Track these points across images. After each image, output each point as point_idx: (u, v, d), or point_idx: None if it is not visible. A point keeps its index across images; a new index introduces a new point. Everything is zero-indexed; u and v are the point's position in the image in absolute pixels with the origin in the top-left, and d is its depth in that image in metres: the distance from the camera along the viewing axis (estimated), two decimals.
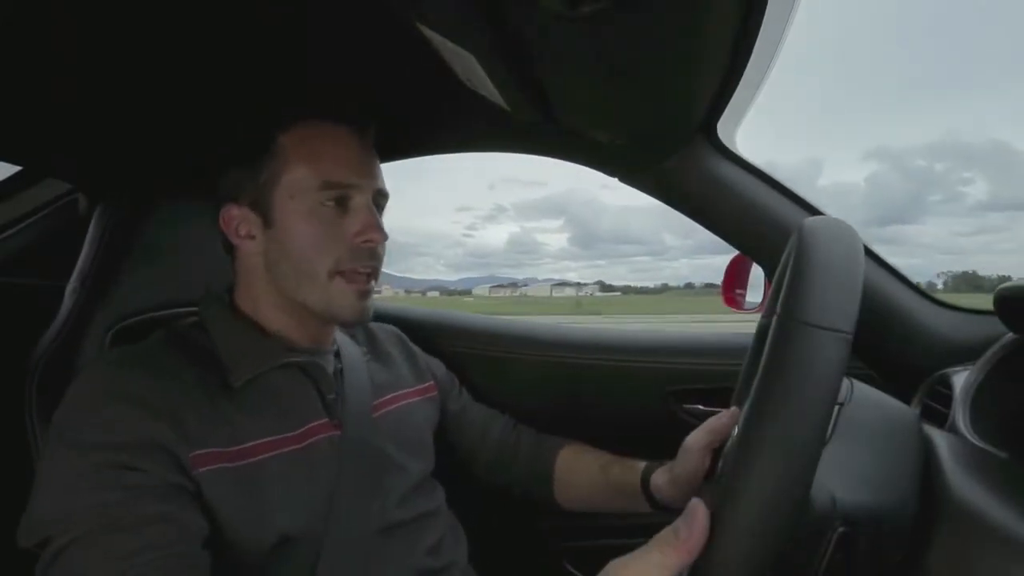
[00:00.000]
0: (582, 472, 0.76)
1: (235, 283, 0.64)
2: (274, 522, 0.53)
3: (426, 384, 0.78)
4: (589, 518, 0.98)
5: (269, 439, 0.56)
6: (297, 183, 0.58)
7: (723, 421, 0.57)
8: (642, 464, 0.69)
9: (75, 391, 0.51)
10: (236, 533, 0.51)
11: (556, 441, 0.80)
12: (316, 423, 0.60)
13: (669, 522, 0.34)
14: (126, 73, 0.61)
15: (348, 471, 0.59)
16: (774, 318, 0.35)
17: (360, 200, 0.61)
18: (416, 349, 0.82)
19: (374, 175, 0.63)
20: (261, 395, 0.57)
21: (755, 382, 0.34)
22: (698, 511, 0.32)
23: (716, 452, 0.58)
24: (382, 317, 1.01)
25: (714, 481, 0.51)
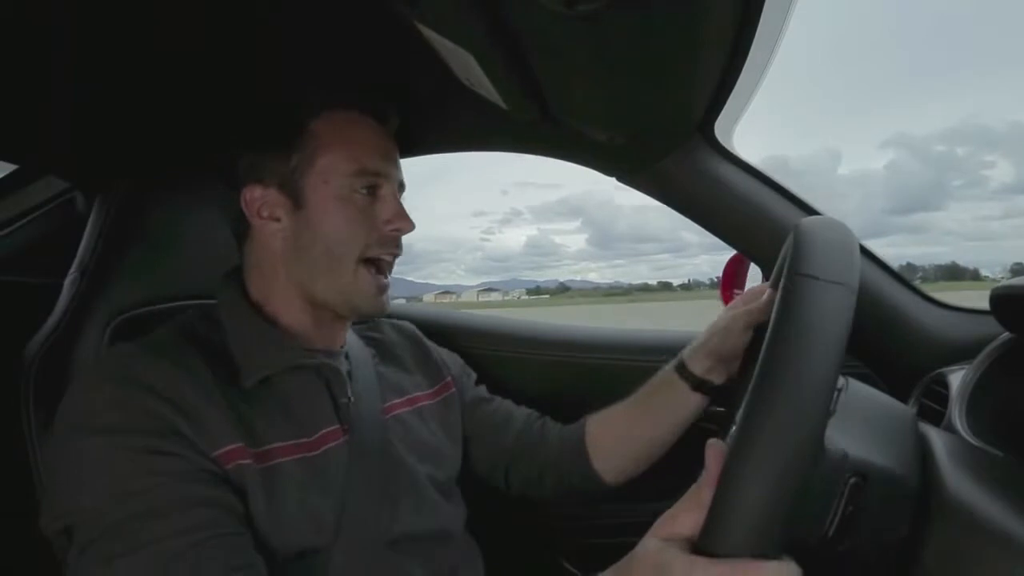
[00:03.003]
0: (615, 415, 0.73)
1: (247, 268, 0.63)
2: (291, 530, 0.51)
3: (442, 383, 0.75)
4: (587, 516, 0.98)
5: (287, 443, 0.54)
6: (332, 168, 0.59)
7: (761, 299, 0.60)
8: (668, 365, 0.70)
9: (89, 378, 0.50)
10: (260, 538, 0.50)
11: (582, 420, 0.77)
12: (329, 429, 0.58)
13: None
14: (125, 66, 0.61)
15: (358, 477, 0.58)
16: (773, 311, 0.35)
17: (388, 189, 0.62)
18: (431, 345, 0.79)
19: (399, 165, 0.65)
20: (275, 397, 0.56)
21: (766, 337, 0.34)
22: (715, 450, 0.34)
23: (756, 330, 0.61)
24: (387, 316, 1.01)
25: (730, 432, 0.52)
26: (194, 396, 0.50)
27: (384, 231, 0.61)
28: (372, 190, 0.61)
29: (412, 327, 0.80)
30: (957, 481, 0.40)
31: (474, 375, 0.82)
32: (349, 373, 0.64)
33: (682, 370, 0.68)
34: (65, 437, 0.48)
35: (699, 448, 0.61)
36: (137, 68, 0.62)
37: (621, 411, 0.73)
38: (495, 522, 0.78)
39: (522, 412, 0.80)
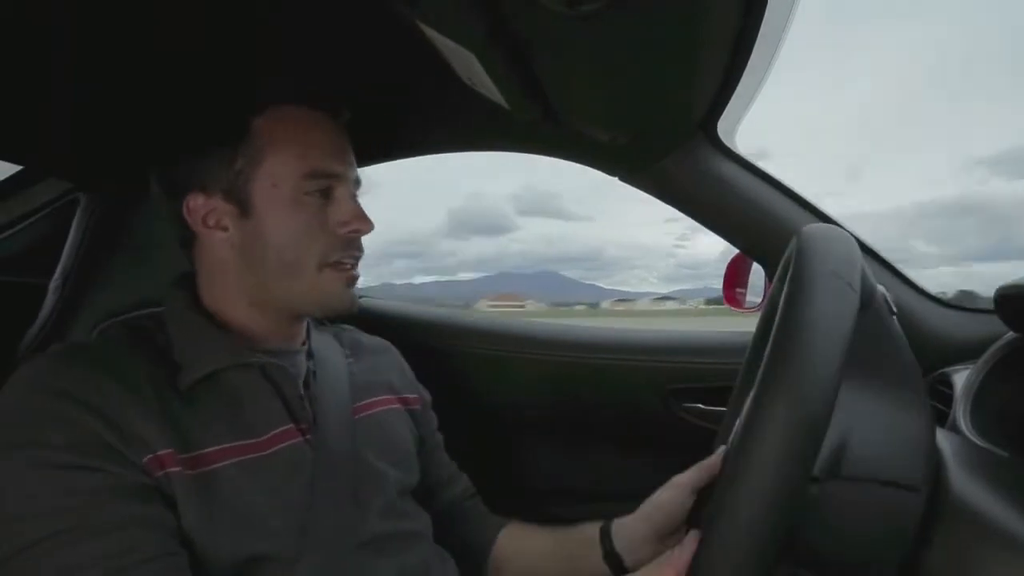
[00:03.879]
0: (529, 542, 0.71)
1: (198, 274, 0.60)
2: (239, 540, 0.49)
3: (412, 396, 0.73)
4: (591, 516, 0.98)
5: (227, 445, 0.51)
6: (280, 171, 0.55)
7: (712, 461, 0.56)
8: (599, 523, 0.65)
9: (8, 388, 0.47)
10: (200, 550, 0.47)
11: (500, 520, 0.74)
12: (281, 429, 0.55)
13: None
14: (125, 66, 0.61)
15: (323, 479, 0.55)
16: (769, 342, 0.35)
17: (343, 190, 0.59)
18: (407, 368, 0.77)
19: (353, 163, 0.61)
20: (217, 397, 0.53)
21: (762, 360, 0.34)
22: (692, 539, 0.33)
23: (701, 492, 0.57)
24: (384, 315, 1.01)
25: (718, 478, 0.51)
26: (122, 402, 0.47)
27: (340, 234, 0.58)
28: (326, 192, 0.57)
29: (390, 345, 0.78)
30: (962, 482, 0.40)
31: (436, 419, 0.78)
32: (314, 372, 0.62)
33: (605, 535, 0.63)
34: None
35: (699, 450, 0.61)
36: (137, 68, 0.62)
37: (536, 542, 0.70)
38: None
39: (464, 479, 0.78)
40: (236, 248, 0.57)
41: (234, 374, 0.55)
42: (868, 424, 0.40)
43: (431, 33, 0.52)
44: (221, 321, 0.58)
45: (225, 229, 0.56)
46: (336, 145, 0.59)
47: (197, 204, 0.56)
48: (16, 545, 0.41)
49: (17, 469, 0.43)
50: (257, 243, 0.56)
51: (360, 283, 0.62)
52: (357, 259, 0.60)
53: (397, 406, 0.70)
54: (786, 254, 0.46)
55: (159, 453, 0.47)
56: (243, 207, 0.55)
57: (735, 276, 0.92)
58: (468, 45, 0.50)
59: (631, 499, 0.98)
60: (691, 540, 0.33)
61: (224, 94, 0.58)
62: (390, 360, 0.75)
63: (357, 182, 0.62)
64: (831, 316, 0.32)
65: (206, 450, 0.50)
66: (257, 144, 0.55)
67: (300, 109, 0.57)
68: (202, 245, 0.58)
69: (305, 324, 0.65)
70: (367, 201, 0.62)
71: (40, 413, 0.45)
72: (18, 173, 0.82)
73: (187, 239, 0.59)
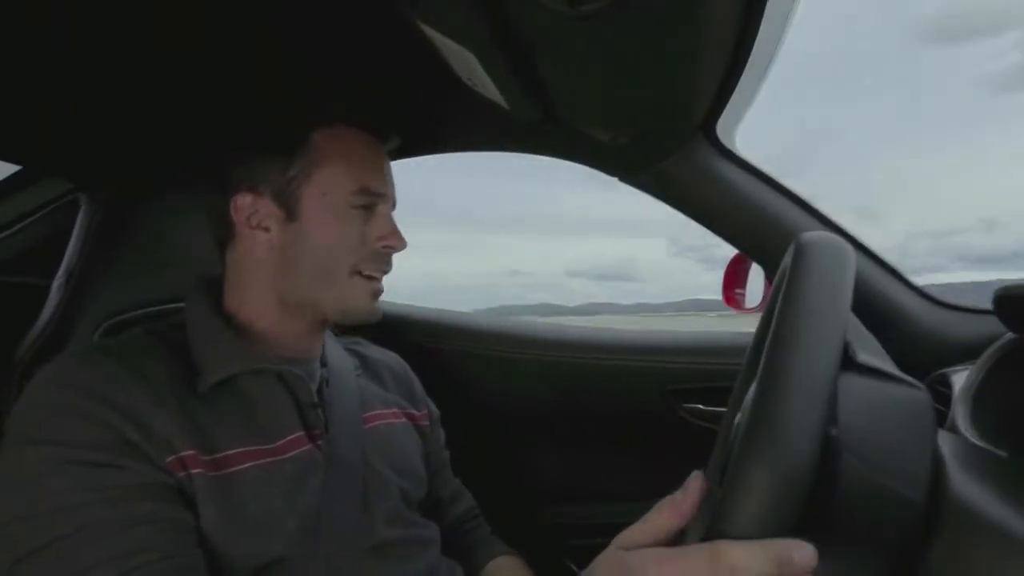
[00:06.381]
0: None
1: (226, 275, 0.62)
2: (256, 542, 0.50)
3: (420, 412, 0.75)
4: (590, 516, 0.98)
5: (246, 449, 0.53)
6: (332, 182, 0.58)
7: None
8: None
9: (33, 386, 0.48)
10: (215, 551, 0.48)
11: (494, 550, 0.75)
12: (296, 435, 0.57)
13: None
14: (125, 66, 0.61)
15: (334, 484, 0.57)
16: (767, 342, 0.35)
17: (384, 208, 0.62)
18: (417, 383, 0.78)
19: (394, 184, 0.65)
20: (234, 402, 0.54)
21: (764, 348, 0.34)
22: (696, 479, 0.33)
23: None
24: (384, 316, 1.01)
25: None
26: (145, 401, 0.48)
27: (376, 247, 0.61)
28: (368, 207, 0.61)
29: (401, 359, 0.79)
30: (961, 483, 0.40)
31: (443, 435, 0.79)
32: (327, 380, 0.63)
33: None
34: (8, 444, 0.46)
35: (699, 449, 0.62)
36: (137, 68, 0.62)
37: None
38: (497, 522, 0.79)
39: (467, 499, 0.79)
40: (275, 250, 0.59)
41: (250, 379, 0.56)
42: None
43: (431, 33, 0.52)
44: (242, 325, 0.60)
45: (267, 230, 0.59)
46: (383, 167, 0.63)
47: (245, 203, 0.58)
48: (40, 540, 0.42)
49: (43, 465, 0.44)
50: (297, 247, 0.58)
51: None
52: (384, 273, 0.63)
53: (404, 420, 0.71)
54: (783, 261, 0.47)
55: (182, 454, 0.48)
56: (290, 211, 0.58)
57: (734, 277, 0.93)
58: (468, 45, 0.50)
59: (630, 499, 0.98)
60: (695, 482, 0.32)
61: (291, 105, 0.62)
62: (400, 375, 0.76)
63: (394, 203, 0.65)
64: (823, 324, 0.33)
65: (227, 452, 0.51)
66: (314, 155, 0.58)
67: (355, 130, 0.62)
68: (240, 245, 0.60)
69: (323, 335, 0.66)
70: None
71: (66, 410, 0.46)
72: (18, 173, 0.82)
73: (224, 237, 0.61)
